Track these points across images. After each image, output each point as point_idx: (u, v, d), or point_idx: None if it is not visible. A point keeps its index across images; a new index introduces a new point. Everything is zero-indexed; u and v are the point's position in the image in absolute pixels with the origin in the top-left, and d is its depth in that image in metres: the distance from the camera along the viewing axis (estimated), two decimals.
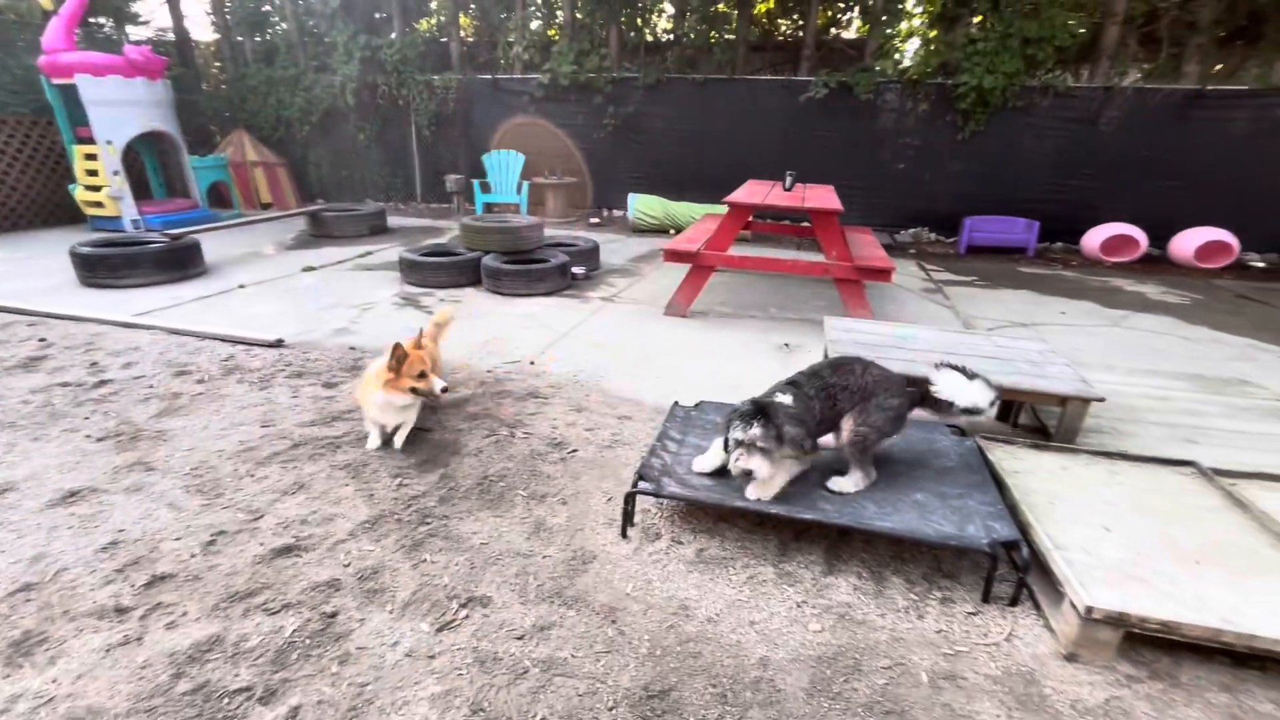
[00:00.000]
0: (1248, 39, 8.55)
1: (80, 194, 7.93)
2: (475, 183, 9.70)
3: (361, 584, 2.10)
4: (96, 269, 5.52)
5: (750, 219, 7.52)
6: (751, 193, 5.57)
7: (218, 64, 11.71)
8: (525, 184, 9.65)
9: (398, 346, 2.69)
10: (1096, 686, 1.78)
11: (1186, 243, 7.73)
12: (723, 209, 5.51)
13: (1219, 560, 2.06)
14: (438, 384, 2.75)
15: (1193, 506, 2.38)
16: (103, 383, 3.60)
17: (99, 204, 7.87)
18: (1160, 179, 8.18)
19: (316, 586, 2.08)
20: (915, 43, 9.57)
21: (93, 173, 7.80)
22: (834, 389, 2.37)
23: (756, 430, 2.14)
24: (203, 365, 3.89)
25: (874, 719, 1.67)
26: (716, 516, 2.50)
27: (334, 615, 1.96)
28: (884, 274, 4.78)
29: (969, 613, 2.05)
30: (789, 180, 5.86)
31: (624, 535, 2.38)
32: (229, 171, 9.67)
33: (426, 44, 10.36)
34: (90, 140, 7.71)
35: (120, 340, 4.27)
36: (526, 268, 5.65)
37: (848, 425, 2.39)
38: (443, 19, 10.67)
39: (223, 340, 4.33)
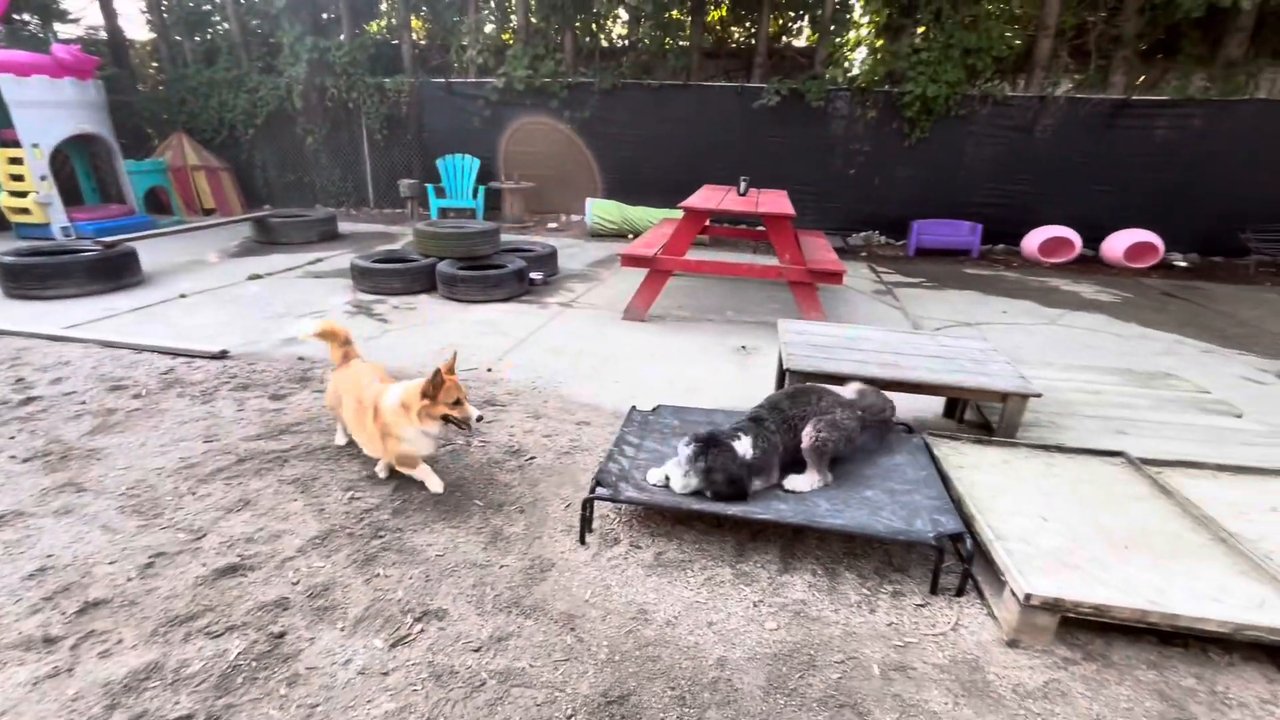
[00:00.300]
0: (1167, 53, 9.10)
1: (4, 200, 7.48)
2: (430, 187, 9.55)
3: (311, 602, 2.04)
4: (21, 279, 5.22)
5: (707, 223, 7.61)
6: (707, 198, 5.64)
7: (155, 64, 11.23)
8: (482, 188, 9.55)
9: (438, 372, 2.42)
10: (1036, 670, 1.86)
11: (1117, 244, 8.16)
12: (679, 214, 5.57)
13: (1146, 545, 2.18)
14: (474, 412, 2.48)
15: (1122, 495, 2.51)
16: (29, 400, 3.40)
17: (25, 210, 7.44)
18: (1092, 184, 8.62)
19: (263, 606, 2.01)
20: (863, 52, 9.86)
21: (18, 177, 7.36)
22: (794, 419, 2.53)
23: (698, 469, 2.33)
24: (140, 379, 3.72)
25: (828, 713, 1.71)
26: (674, 519, 2.52)
27: (282, 635, 1.90)
28: (835, 277, 4.91)
29: (918, 604, 2.12)
30: (743, 185, 5.96)
31: (582, 542, 2.38)
32: (168, 176, 9.27)
33: (377, 46, 10.16)
34: (15, 143, 7.28)
35: (49, 354, 4.04)
36: (483, 273, 5.59)
37: (809, 431, 2.50)
38: (393, 21, 10.48)
39: (162, 352, 4.14)
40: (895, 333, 3.71)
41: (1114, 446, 2.87)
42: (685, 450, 2.35)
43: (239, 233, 8.36)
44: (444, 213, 9.64)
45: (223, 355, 4.14)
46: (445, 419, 2.48)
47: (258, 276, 6.27)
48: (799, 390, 2.69)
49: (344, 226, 9.02)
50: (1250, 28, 8.15)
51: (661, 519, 2.53)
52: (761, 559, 2.31)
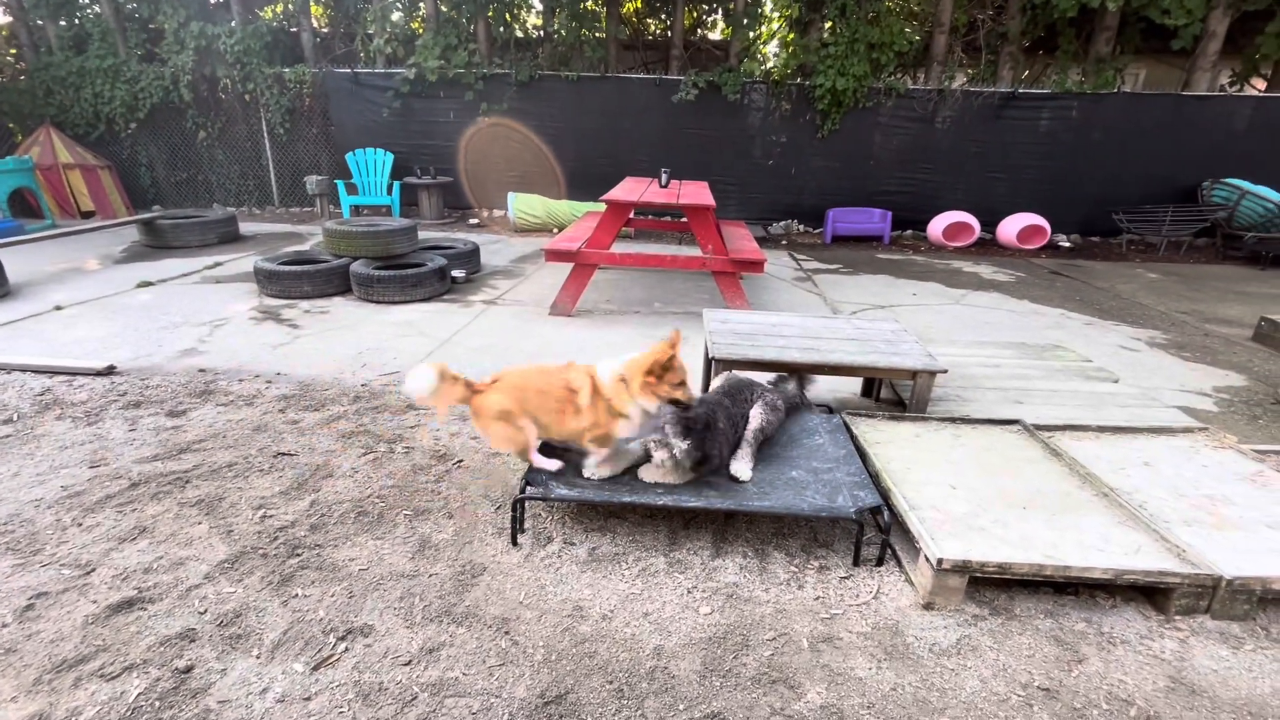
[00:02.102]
0: (1047, 49, 9.87)
1: None
2: (340, 184, 9.08)
3: (222, 630, 1.91)
4: None
5: (632, 216, 7.63)
6: (629, 190, 5.65)
7: (13, 51, 10.08)
8: (396, 184, 9.17)
9: (672, 355, 2.32)
10: (950, 629, 1.99)
11: (1010, 227, 8.79)
12: (604, 207, 5.55)
13: (1040, 504, 2.37)
14: (697, 394, 2.42)
15: (1019, 459, 2.72)
16: None
17: None
18: (987, 171, 9.25)
19: (166, 641, 1.86)
20: (775, 45, 10.14)
21: None
22: (736, 417, 2.64)
23: (685, 445, 2.30)
24: (10, 402, 3.35)
25: (761, 689, 1.76)
26: (607, 513, 2.52)
27: (189, 670, 1.77)
28: (757, 265, 5.03)
29: (842, 577, 2.21)
30: (664, 177, 6.00)
31: (514, 543, 2.34)
32: (36, 175, 8.37)
33: (273, 34, 9.53)
34: None
35: None
36: (401, 273, 5.37)
37: (758, 413, 2.69)
38: (290, 7, 9.85)
39: (36, 371, 3.75)
40: (814, 318, 3.84)
41: (1012, 415, 3.10)
42: (676, 439, 2.31)
43: (125, 236, 7.68)
44: (357, 210, 9.20)
45: (110, 371, 3.79)
46: (673, 401, 2.33)
47: (148, 284, 5.78)
48: (735, 388, 2.80)
49: (246, 227, 8.45)
50: (1115, 27, 8.94)
51: (594, 513, 2.52)
52: (694, 546, 2.35)
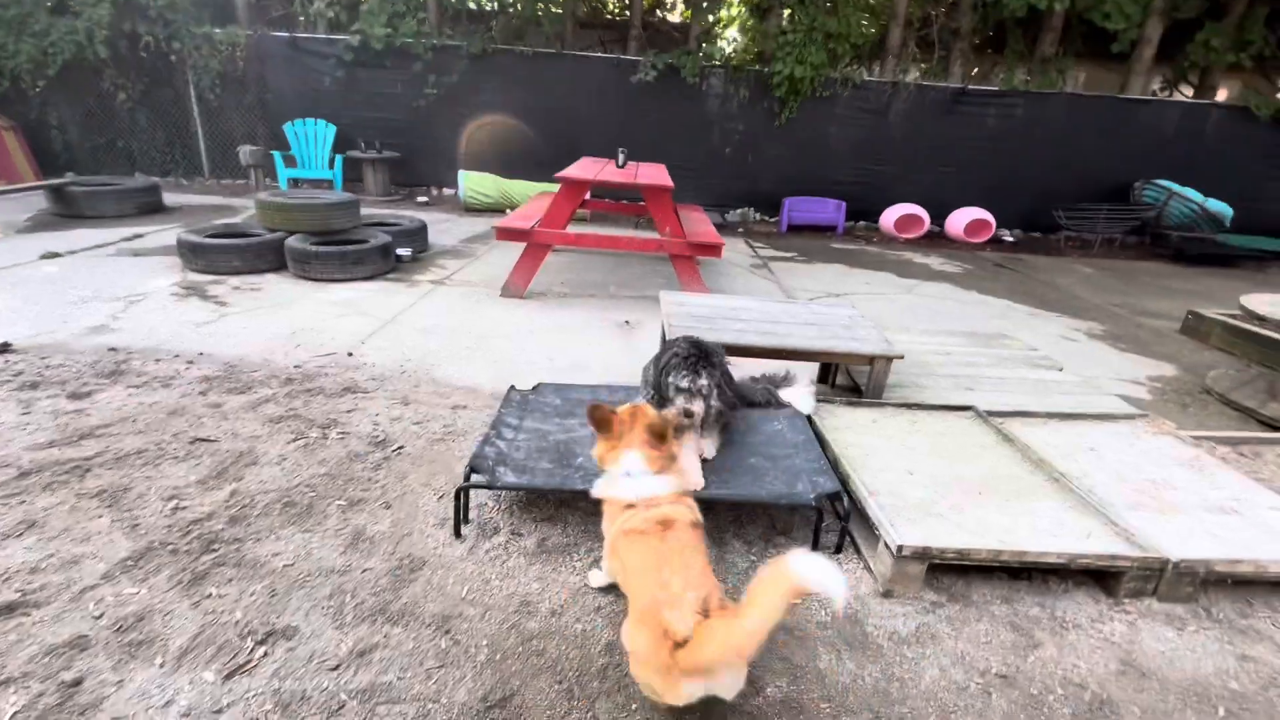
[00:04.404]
0: (996, 47, 10.11)
1: None
2: (277, 155, 8.54)
3: (119, 637, 1.70)
4: None
5: (588, 197, 7.43)
6: (585, 169, 5.47)
7: None
8: (339, 158, 8.69)
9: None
10: (909, 616, 1.95)
11: (958, 221, 9.00)
12: (556, 187, 5.36)
13: (995, 489, 2.37)
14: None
15: (973, 445, 2.72)
16: None
17: None
18: (938, 165, 9.42)
19: (52, 650, 1.64)
20: (735, 32, 10.05)
21: None
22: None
23: (705, 380, 2.24)
24: None
25: None
26: (558, 503, 2.39)
27: (78, 683, 1.56)
28: (714, 249, 4.95)
29: None
30: (621, 158, 5.84)
31: (457, 535, 2.18)
32: None
33: None
34: None
35: None
36: (341, 249, 5.05)
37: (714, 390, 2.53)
38: None
39: None
40: (772, 302, 3.79)
41: (964, 402, 3.11)
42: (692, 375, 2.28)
43: (31, 204, 7.01)
44: (295, 183, 8.68)
45: (4, 349, 3.41)
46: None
47: (55, 255, 5.27)
48: (694, 364, 2.65)
49: (172, 198, 7.85)
50: (1060, 29, 9.22)
51: (544, 503, 2.39)
52: None
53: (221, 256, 4.98)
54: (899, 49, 9.34)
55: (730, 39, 10.42)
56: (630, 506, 1.70)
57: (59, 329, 3.76)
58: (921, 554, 1.97)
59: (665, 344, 2.41)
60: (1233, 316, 5.05)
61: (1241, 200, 8.88)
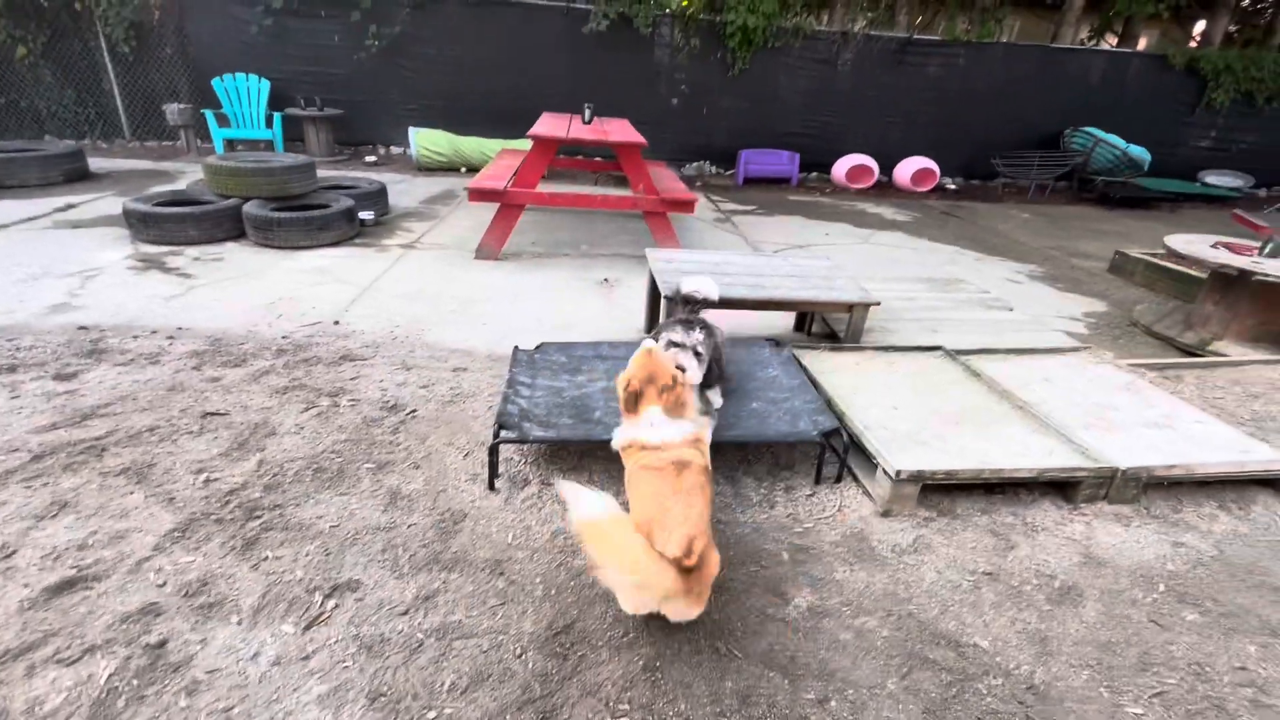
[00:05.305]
0: None
1: None
2: (209, 114, 7.99)
3: (189, 601, 1.77)
4: None
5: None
6: (553, 126, 5.42)
7: None
8: (277, 116, 8.21)
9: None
10: (907, 531, 2.23)
11: (905, 170, 9.34)
12: (516, 144, 5.30)
13: (969, 419, 2.66)
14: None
15: (945, 381, 3.01)
16: None
17: None
18: (885, 116, 9.68)
19: (127, 618, 1.70)
20: None
21: None
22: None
23: (698, 335, 2.38)
24: None
25: (753, 599, 1.90)
26: (580, 453, 2.54)
27: (162, 644, 1.64)
28: (688, 205, 5.06)
29: (808, 495, 2.39)
30: (587, 113, 5.80)
31: (492, 488, 2.31)
32: None
33: None
34: None
35: None
36: (305, 215, 4.90)
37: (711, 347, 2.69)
38: None
39: None
40: (755, 256, 3.96)
41: (933, 343, 3.40)
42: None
43: None
44: (231, 145, 8.18)
45: None
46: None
47: None
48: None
49: (97, 163, 7.29)
50: None
51: (567, 454, 2.53)
52: None
53: (176, 226, 4.75)
54: None
55: None
56: (647, 449, 1.84)
57: (17, 309, 3.57)
58: (916, 477, 2.24)
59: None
60: (1154, 255, 5.56)
61: (1159, 145, 9.55)
